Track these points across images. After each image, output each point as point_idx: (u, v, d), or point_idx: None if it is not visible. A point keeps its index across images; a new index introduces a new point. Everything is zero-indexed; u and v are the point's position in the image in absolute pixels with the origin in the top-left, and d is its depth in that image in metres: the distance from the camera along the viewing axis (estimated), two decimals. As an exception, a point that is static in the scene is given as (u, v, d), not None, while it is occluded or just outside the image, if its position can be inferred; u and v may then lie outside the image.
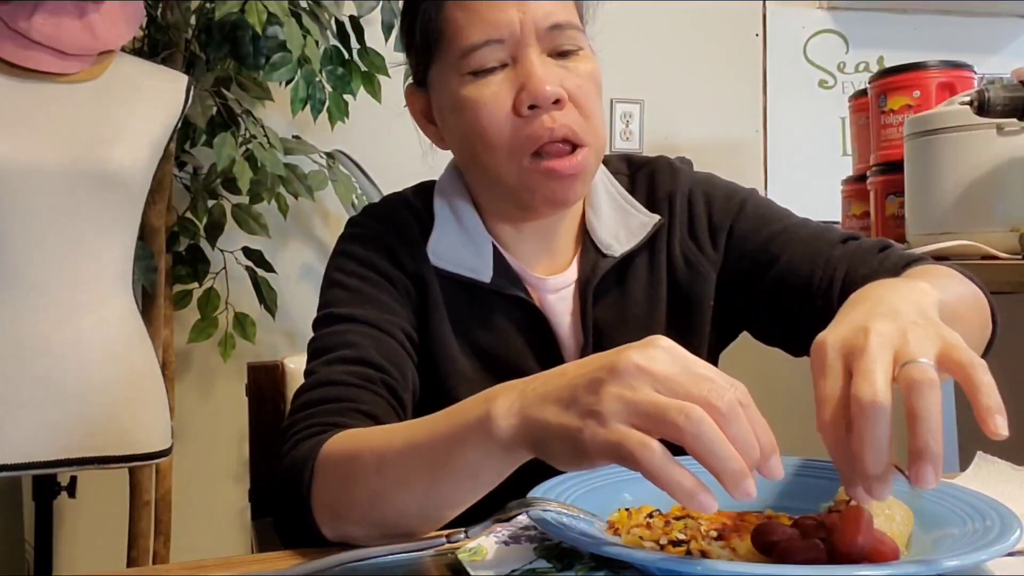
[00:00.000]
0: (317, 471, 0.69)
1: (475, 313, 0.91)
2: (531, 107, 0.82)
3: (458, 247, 0.91)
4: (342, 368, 0.81)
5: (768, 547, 0.55)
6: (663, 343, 0.55)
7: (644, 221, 0.94)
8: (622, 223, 0.94)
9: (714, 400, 0.50)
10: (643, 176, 0.99)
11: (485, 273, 0.90)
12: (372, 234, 0.92)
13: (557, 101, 0.82)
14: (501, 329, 0.91)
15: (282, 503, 0.72)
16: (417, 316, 0.90)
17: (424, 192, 0.96)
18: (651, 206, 0.96)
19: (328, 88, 1.95)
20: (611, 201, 0.96)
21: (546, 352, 0.91)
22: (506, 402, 0.58)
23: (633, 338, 0.81)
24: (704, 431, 0.49)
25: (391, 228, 0.92)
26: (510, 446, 0.58)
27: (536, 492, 0.65)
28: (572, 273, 0.93)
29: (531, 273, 0.93)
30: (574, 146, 0.84)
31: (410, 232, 0.92)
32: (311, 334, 0.91)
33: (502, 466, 0.61)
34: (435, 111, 0.91)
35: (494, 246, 0.92)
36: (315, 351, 0.86)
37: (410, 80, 0.94)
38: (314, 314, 0.90)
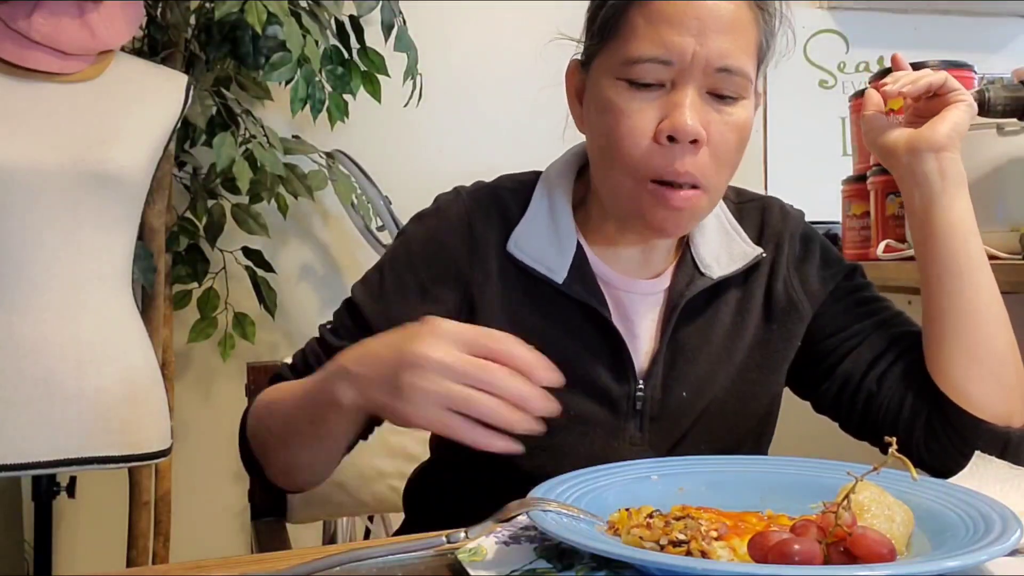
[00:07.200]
0: (248, 421, 0.95)
1: (540, 311, 0.90)
2: (670, 138, 0.81)
3: (542, 241, 0.91)
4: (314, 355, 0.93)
5: (764, 556, 0.54)
6: (442, 328, 0.69)
7: (747, 251, 0.94)
8: (725, 247, 0.94)
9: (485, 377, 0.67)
10: (752, 209, 0.99)
11: (559, 273, 0.89)
12: (455, 211, 0.93)
13: (695, 141, 0.81)
14: (564, 330, 0.90)
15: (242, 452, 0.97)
16: (464, 298, 0.91)
17: (527, 184, 0.96)
18: (758, 241, 0.96)
19: (328, 88, 1.94)
20: (718, 223, 0.95)
21: (615, 359, 0.90)
22: (344, 388, 0.74)
23: (710, 363, 0.94)
24: (483, 411, 0.67)
25: (484, 206, 0.93)
26: (357, 415, 0.77)
27: (536, 492, 0.66)
28: (664, 281, 0.93)
29: (617, 274, 0.92)
30: (693, 186, 0.83)
31: (500, 216, 0.92)
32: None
33: (354, 425, 0.81)
34: (585, 97, 0.90)
35: (579, 245, 0.91)
36: (324, 329, 0.94)
37: (577, 55, 0.93)
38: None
